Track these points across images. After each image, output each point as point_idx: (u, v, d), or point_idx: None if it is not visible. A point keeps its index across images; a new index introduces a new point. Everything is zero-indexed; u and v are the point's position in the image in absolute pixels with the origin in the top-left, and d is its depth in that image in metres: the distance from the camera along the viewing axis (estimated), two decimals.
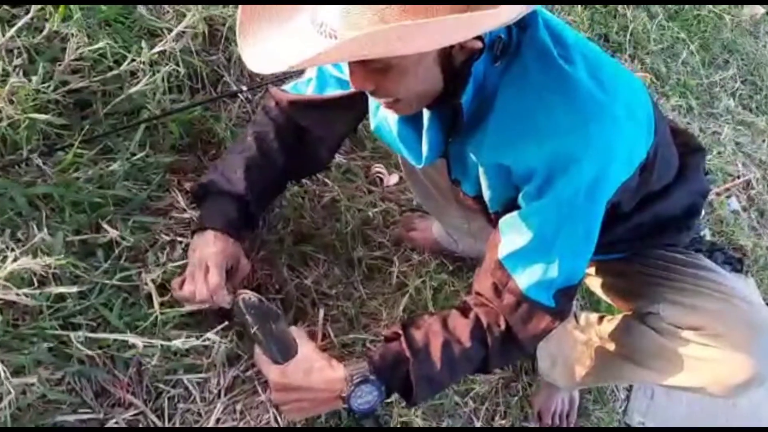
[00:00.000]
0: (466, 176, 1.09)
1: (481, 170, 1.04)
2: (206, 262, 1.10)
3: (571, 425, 1.47)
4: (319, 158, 1.31)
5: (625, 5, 2.69)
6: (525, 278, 1.01)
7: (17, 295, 0.91)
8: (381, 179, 1.70)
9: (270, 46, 0.82)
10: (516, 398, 1.47)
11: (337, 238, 1.48)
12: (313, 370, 1.04)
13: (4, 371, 0.89)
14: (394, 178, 1.70)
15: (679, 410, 1.63)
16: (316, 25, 0.78)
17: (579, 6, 2.57)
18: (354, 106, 1.16)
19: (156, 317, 1.08)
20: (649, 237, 1.19)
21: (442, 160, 1.09)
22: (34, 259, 0.95)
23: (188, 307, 1.11)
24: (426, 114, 1.00)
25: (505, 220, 1.03)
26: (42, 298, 0.96)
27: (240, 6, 0.84)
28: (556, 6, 2.53)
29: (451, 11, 0.73)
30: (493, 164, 1.01)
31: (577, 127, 0.90)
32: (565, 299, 1.04)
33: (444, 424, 1.31)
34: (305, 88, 1.21)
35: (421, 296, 1.47)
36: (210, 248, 1.12)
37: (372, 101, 1.11)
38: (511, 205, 1.03)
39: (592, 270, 1.32)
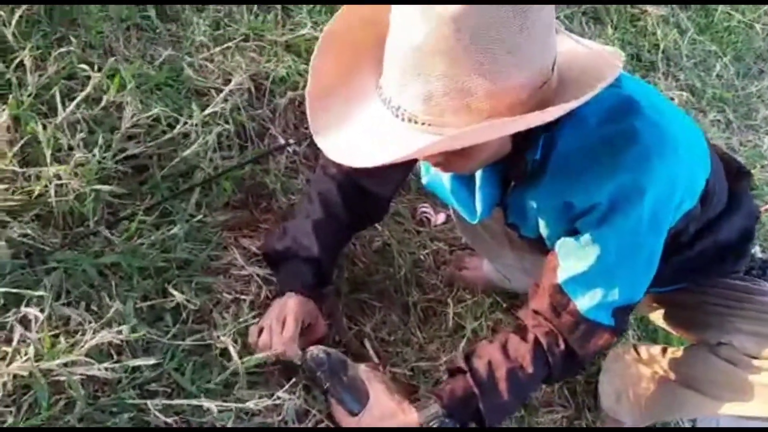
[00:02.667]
0: (524, 220, 1.10)
1: (540, 212, 1.05)
2: (285, 315, 1.16)
3: None
4: (379, 210, 1.36)
5: (656, 25, 2.68)
6: (585, 302, 1.03)
7: (98, 369, 0.93)
8: (428, 219, 1.71)
9: (351, 137, 0.84)
10: None
11: (390, 283, 1.49)
12: (386, 417, 1.08)
13: None
14: (441, 218, 1.71)
15: None
16: (392, 108, 0.80)
17: (609, 28, 2.58)
18: (406, 161, 1.19)
19: (226, 378, 1.11)
20: (710, 266, 1.19)
21: (498, 208, 1.11)
22: (110, 332, 0.98)
23: (259, 355, 1.14)
24: (479, 171, 1.02)
25: (563, 245, 1.04)
26: (120, 370, 0.98)
27: (307, 95, 0.87)
28: (587, 29, 2.54)
29: (530, 88, 0.75)
30: (554, 205, 1.02)
31: (641, 162, 0.92)
32: (623, 317, 1.07)
33: None
34: None
35: (478, 337, 1.47)
36: (290, 304, 1.18)
37: None
38: (569, 233, 1.04)
39: (653, 302, 1.31)
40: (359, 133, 0.84)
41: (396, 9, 0.79)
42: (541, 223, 1.07)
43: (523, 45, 0.75)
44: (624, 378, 1.37)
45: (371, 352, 1.34)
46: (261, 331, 1.19)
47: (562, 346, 1.06)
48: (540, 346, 1.06)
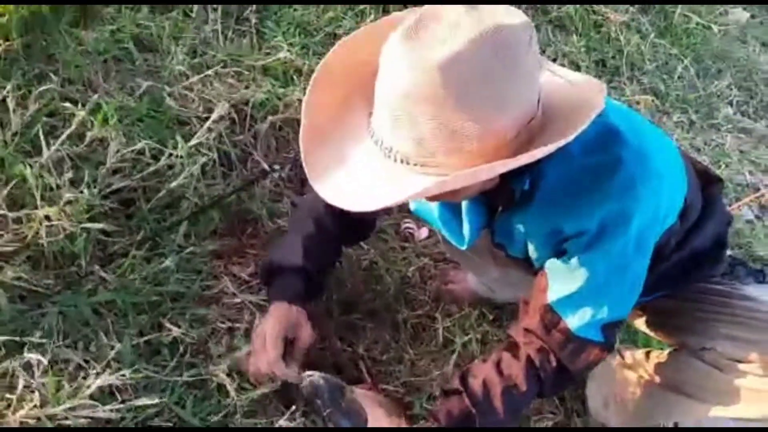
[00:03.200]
0: (511, 242, 1.14)
1: (528, 236, 1.08)
2: (263, 335, 1.16)
3: None
4: (367, 225, 1.38)
5: (618, 31, 2.76)
6: (575, 320, 1.06)
7: (103, 411, 0.94)
8: (412, 234, 1.74)
9: (344, 177, 0.86)
10: None
11: (380, 301, 1.52)
12: None
13: None
14: (424, 232, 1.75)
15: None
16: (384, 150, 0.83)
17: (574, 36, 2.64)
18: None
19: (228, 408, 1.12)
20: (687, 273, 1.24)
21: (486, 230, 1.14)
22: (111, 373, 1.00)
23: (255, 392, 1.15)
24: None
25: (552, 266, 1.07)
26: (124, 410, 0.99)
27: (301, 137, 0.89)
28: (552, 37, 2.61)
29: (516, 128, 0.79)
30: (542, 230, 1.05)
31: (627, 190, 0.96)
32: (611, 332, 1.10)
33: None
34: None
35: (467, 350, 1.50)
36: (268, 323, 1.17)
37: None
38: (557, 255, 1.07)
39: (636, 310, 1.35)
40: (355, 176, 0.87)
41: (385, 53, 0.82)
42: (530, 247, 1.11)
43: (509, 90, 0.79)
44: (611, 383, 1.41)
45: (365, 373, 1.36)
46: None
47: (554, 362, 1.09)
48: (532, 363, 1.09)
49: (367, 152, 0.86)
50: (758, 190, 2.57)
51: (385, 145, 0.83)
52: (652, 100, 2.67)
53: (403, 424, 1.14)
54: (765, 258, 2.28)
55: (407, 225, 1.74)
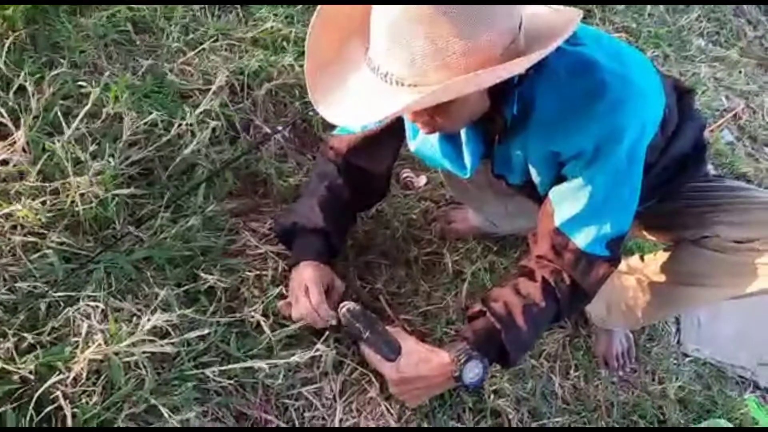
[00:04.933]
0: (511, 170, 1.23)
1: (529, 162, 1.18)
2: (305, 284, 1.26)
3: (632, 359, 1.62)
4: (378, 189, 1.47)
5: None
6: (582, 239, 1.16)
7: (161, 345, 1.04)
8: (412, 182, 1.84)
9: (348, 103, 0.96)
10: (581, 351, 1.61)
11: (391, 243, 1.62)
12: (422, 361, 1.20)
13: (166, 412, 1.02)
14: (423, 180, 1.85)
15: (727, 331, 1.78)
16: (381, 75, 0.92)
17: None
18: (394, 136, 1.33)
19: (267, 343, 1.23)
20: (674, 176, 1.33)
21: (485, 160, 1.23)
22: (161, 314, 1.09)
23: (294, 326, 1.26)
24: (463, 129, 1.14)
25: (556, 192, 1.16)
26: (179, 344, 1.09)
27: (306, 72, 0.98)
28: None
29: (501, 45, 0.89)
30: (541, 154, 1.14)
31: (616, 110, 1.05)
32: (616, 246, 1.19)
33: (528, 386, 1.45)
34: (353, 129, 1.35)
35: (476, 278, 1.61)
36: (306, 274, 1.28)
37: (409, 126, 1.26)
38: (559, 180, 1.17)
39: (634, 220, 1.44)
40: (355, 99, 0.96)
41: None
42: (533, 172, 1.19)
43: (494, 8, 0.88)
44: (610, 292, 1.51)
45: (385, 305, 1.47)
46: (290, 304, 1.30)
47: (568, 281, 1.18)
48: (547, 282, 1.18)
49: (365, 79, 0.95)
50: (736, 114, 2.69)
51: (381, 70, 0.92)
52: (626, 38, 2.76)
53: (437, 349, 1.21)
54: (748, 175, 2.40)
55: (407, 174, 1.84)
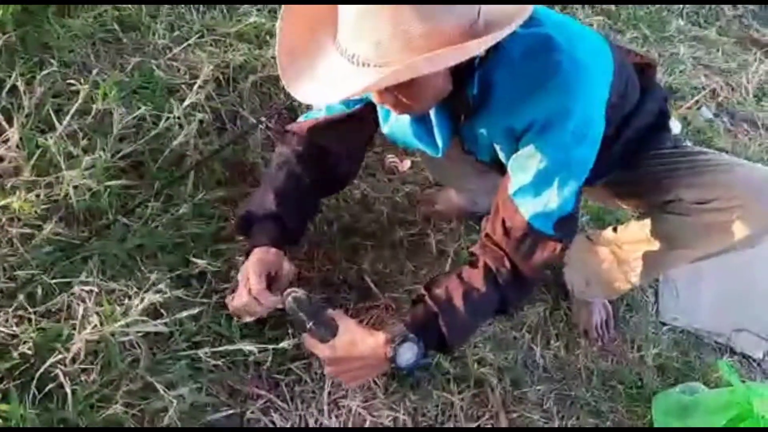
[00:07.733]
0: (478, 147, 1.29)
1: (492, 139, 1.23)
2: (246, 274, 1.24)
3: (611, 330, 1.68)
4: (342, 172, 1.45)
5: None
6: (530, 208, 1.19)
7: (155, 325, 1.10)
8: (396, 167, 1.90)
9: (316, 84, 1.01)
10: (562, 323, 1.67)
11: (376, 225, 1.68)
12: (357, 341, 1.18)
13: (162, 388, 1.08)
14: (407, 164, 1.91)
15: (705, 300, 1.84)
16: (348, 57, 0.98)
17: None
18: (363, 119, 1.35)
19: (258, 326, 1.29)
20: (638, 147, 1.38)
21: (455, 139, 1.29)
22: (153, 294, 1.15)
23: (246, 319, 1.26)
24: (432, 111, 1.20)
25: (513, 161, 1.21)
26: (171, 324, 1.15)
27: (278, 56, 1.04)
28: None
29: (460, 29, 0.94)
30: (501, 130, 1.20)
31: (566, 88, 1.10)
32: (563, 228, 1.21)
33: (510, 356, 1.51)
34: (318, 115, 1.38)
35: (460, 257, 1.67)
36: (249, 262, 1.26)
37: (381, 111, 1.31)
38: (516, 152, 1.20)
39: (602, 188, 1.47)
40: (323, 80, 1.02)
41: None
42: (497, 148, 1.25)
43: None
44: (587, 264, 1.58)
45: (371, 284, 1.53)
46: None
47: (508, 265, 1.20)
48: (488, 268, 1.22)
49: (334, 61, 1.01)
50: (714, 91, 2.74)
51: (348, 52, 0.98)
52: (605, 21, 2.82)
53: (373, 331, 1.19)
54: (726, 150, 2.46)
55: (391, 159, 1.90)
